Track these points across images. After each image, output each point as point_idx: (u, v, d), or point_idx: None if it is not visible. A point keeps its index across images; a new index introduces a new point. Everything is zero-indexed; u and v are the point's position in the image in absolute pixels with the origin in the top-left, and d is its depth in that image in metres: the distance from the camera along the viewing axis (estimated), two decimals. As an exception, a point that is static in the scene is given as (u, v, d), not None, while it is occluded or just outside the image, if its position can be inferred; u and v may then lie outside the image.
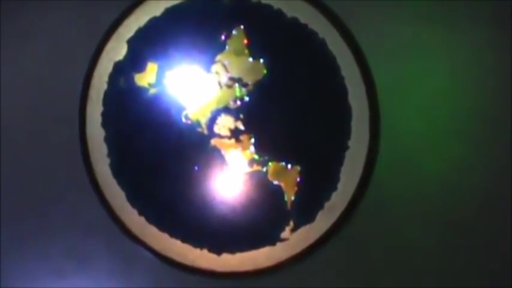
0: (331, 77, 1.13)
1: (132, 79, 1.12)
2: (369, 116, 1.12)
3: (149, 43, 1.12)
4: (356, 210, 1.12)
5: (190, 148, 1.13)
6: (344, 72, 1.13)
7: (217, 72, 1.11)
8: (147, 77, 1.12)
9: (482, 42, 1.13)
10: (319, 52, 1.12)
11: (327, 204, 1.13)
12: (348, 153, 1.14)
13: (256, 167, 1.13)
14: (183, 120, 1.12)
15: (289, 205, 1.13)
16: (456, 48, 1.15)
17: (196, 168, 1.12)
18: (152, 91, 1.12)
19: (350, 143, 1.13)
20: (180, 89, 1.12)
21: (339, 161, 1.13)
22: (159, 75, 1.12)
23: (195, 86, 1.11)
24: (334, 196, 1.13)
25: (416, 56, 1.15)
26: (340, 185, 1.13)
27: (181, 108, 1.12)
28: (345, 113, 1.13)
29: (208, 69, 1.12)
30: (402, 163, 1.15)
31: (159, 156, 1.13)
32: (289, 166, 1.13)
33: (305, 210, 1.13)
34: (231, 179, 1.13)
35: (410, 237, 1.14)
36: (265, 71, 1.11)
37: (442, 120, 1.15)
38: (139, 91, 1.13)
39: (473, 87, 1.14)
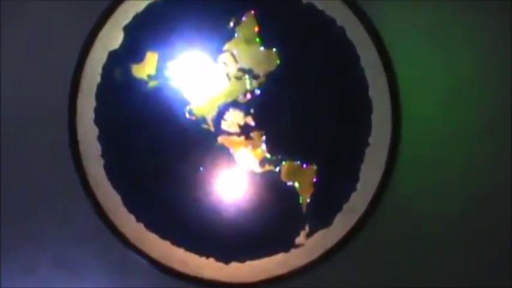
0: (351, 67, 1.06)
1: (129, 70, 1.04)
2: (391, 110, 1.06)
3: (148, 30, 1.04)
4: (377, 212, 1.07)
5: (195, 147, 1.06)
6: (364, 62, 1.06)
7: (225, 63, 1.04)
8: (146, 68, 1.04)
9: (510, 27, 1.07)
10: (337, 41, 1.05)
11: (345, 206, 1.07)
12: (368, 151, 1.07)
13: (268, 167, 1.06)
14: (187, 116, 1.04)
15: (304, 208, 1.07)
16: (482, 35, 1.09)
17: (201, 168, 1.05)
18: (152, 84, 1.04)
19: (370, 139, 1.07)
20: (183, 81, 1.04)
21: (358, 159, 1.07)
22: (160, 66, 1.04)
23: (200, 78, 1.04)
24: (354, 197, 1.07)
25: (439, 44, 1.10)
26: (359, 185, 1.07)
27: (184, 103, 1.05)
28: (365, 107, 1.07)
29: (215, 59, 1.04)
30: (425, 160, 1.10)
31: (159, 156, 1.06)
32: (304, 165, 1.07)
33: (322, 213, 1.07)
34: (240, 180, 1.07)
35: (435, 241, 1.10)
36: (278, 62, 1.05)
37: (468, 114, 1.10)
38: (138, 84, 1.05)
39: (502, 78, 1.09)
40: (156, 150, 1.05)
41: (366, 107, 1.07)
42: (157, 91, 1.05)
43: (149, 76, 1.04)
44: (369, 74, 1.06)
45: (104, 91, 1.05)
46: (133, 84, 1.04)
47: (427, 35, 1.10)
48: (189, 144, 1.05)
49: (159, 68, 1.04)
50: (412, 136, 1.08)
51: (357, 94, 1.07)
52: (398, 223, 1.09)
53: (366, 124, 1.07)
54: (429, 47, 1.09)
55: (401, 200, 1.09)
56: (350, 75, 1.07)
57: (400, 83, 1.06)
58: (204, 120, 1.05)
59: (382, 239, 1.09)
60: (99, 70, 1.04)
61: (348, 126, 1.07)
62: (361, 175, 1.07)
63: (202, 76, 1.04)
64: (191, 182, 1.06)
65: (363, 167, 1.07)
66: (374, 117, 1.07)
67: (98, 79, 1.04)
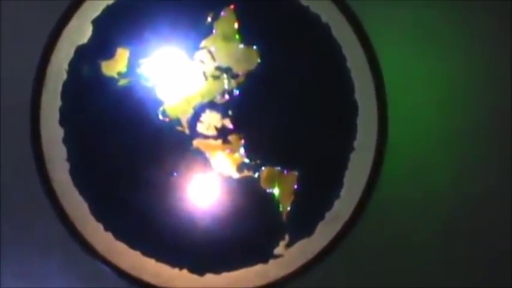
0: (336, 68, 1.02)
1: (98, 67, 0.99)
2: (377, 113, 1.02)
3: (120, 24, 0.99)
4: (361, 220, 1.03)
5: (168, 150, 1.01)
6: (350, 63, 1.02)
7: (201, 61, 0.99)
8: (116, 65, 0.99)
9: (504, 30, 1.06)
10: (322, 39, 1.01)
11: (328, 215, 1.03)
12: (353, 156, 1.03)
13: (246, 173, 1.02)
14: (160, 117, 0.99)
15: (284, 216, 1.03)
16: (471, 35, 1.07)
17: (175, 174, 1.00)
18: (122, 82, 0.99)
19: (355, 144, 1.03)
20: (156, 79, 0.99)
21: (342, 164, 1.03)
22: (131, 63, 0.99)
23: (175, 77, 0.99)
24: (337, 205, 1.03)
25: (428, 45, 1.07)
26: (343, 192, 1.03)
27: (157, 103, 1.00)
28: (350, 110, 1.03)
29: (191, 57, 0.99)
30: (413, 166, 1.07)
31: (130, 160, 1.01)
32: (285, 171, 1.03)
33: (303, 221, 1.03)
34: (216, 186, 1.02)
35: (423, 250, 1.06)
36: (258, 60, 1.00)
37: (457, 118, 1.07)
38: (107, 82, 0.99)
39: (492, 79, 1.07)
40: (127, 153, 1.00)
41: (351, 110, 1.03)
42: (128, 90, 0.99)
43: (120, 74, 0.99)
44: (355, 76, 1.03)
45: (70, 89, 0.99)
46: (102, 82, 0.99)
47: (415, 35, 1.07)
48: (162, 148, 1.00)
49: (131, 65, 0.99)
50: (398, 140, 1.05)
51: (342, 96, 1.03)
52: (384, 232, 1.06)
53: (351, 128, 1.03)
54: (417, 48, 1.07)
55: (388, 207, 1.06)
56: (335, 76, 1.03)
57: (387, 85, 1.03)
58: (178, 121, 1.00)
59: (366, 249, 1.06)
60: (65, 66, 0.98)
61: (332, 129, 1.04)
62: (346, 181, 1.03)
63: (177, 74, 0.99)
64: (164, 188, 1.01)
65: (347, 173, 1.04)
66: (359, 121, 1.03)
67: (64, 76, 0.99)
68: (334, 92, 1.03)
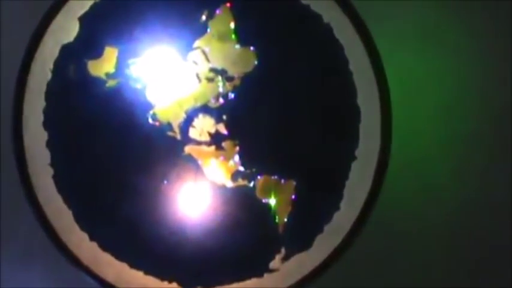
0: (338, 71, 0.98)
1: (85, 67, 0.95)
2: (381, 120, 0.97)
3: (108, 22, 0.95)
4: (362, 233, 0.98)
5: (159, 157, 0.97)
6: (353, 66, 0.98)
7: (195, 62, 0.96)
8: (104, 65, 0.95)
9: (510, 30, 1.02)
10: (324, 40, 0.97)
11: (327, 227, 0.99)
12: (354, 165, 0.99)
13: (241, 182, 0.98)
14: (150, 121, 0.96)
15: (280, 228, 0.99)
16: (479, 39, 1.03)
17: (165, 182, 0.96)
18: (110, 83, 0.96)
19: (357, 152, 0.99)
20: (146, 81, 0.96)
21: (343, 174, 0.99)
22: (120, 64, 0.96)
23: (167, 78, 0.96)
24: (337, 217, 0.99)
25: (435, 48, 1.03)
26: (343, 204, 0.99)
27: (147, 106, 0.96)
28: (352, 116, 0.98)
29: (184, 58, 0.96)
30: (416, 176, 1.04)
31: (118, 166, 0.97)
32: (282, 180, 0.99)
33: (300, 234, 0.99)
34: (209, 196, 0.98)
35: (426, 263, 1.03)
36: (255, 62, 0.96)
37: (465, 125, 1.03)
38: (94, 83, 0.95)
39: (500, 84, 1.03)
40: (114, 159, 0.96)
41: (354, 116, 0.98)
42: (116, 92, 0.96)
43: (107, 74, 0.95)
44: (357, 79, 0.98)
45: (55, 90, 0.95)
46: (89, 83, 0.95)
47: (420, 37, 1.03)
48: (151, 154, 0.96)
49: (119, 66, 0.95)
50: (402, 149, 1.03)
51: (344, 101, 0.98)
52: (385, 246, 1.03)
53: (352, 135, 0.99)
54: (422, 50, 1.03)
55: (389, 220, 1.03)
56: (336, 80, 0.98)
57: (391, 89, 0.97)
58: (169, 126, 0.96)
59: (367, 264, 1.03)
60: (50, 66, 0.95)
61: (333, 136, 0.99)
62: (346, 192, 0.99)
63: (169, 76, 0.96)
64: (153, 197, 0.97)
65: (348, 183, 0.99)
66: (362, 128, 0.99)
67: (49, 76, 0.95)
68: (335, 96, 0.99)
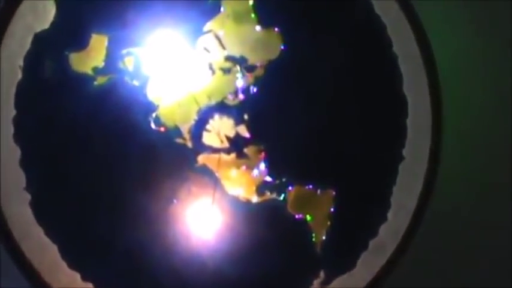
0: (379, 55, 0.87)
1: (66, 61, 0.84)
2: (431, 113, 0.88)
3: (93, 2, 0.84)
4: (413, 249, 0.90)
5: (165, 170, 0.86)
6: (398, 48, 0.87)
7: (206, 49, 0.86)
8: (90, 58, 0.85)
9: None
10: (362, 18, 0.87)
11: (372, 243, 0.89)
12: (402, 167, 0.89)
13: (269, 195, 0.88)
14: (153, 126, 0.86)
15: (318, 248, 0.89)
16: None
17: (174, 201, 0.86)
18: (100, 81, 0.85)
19: (405, 152, 0.89)
20: (146, 76, 0.86)
21: (390, 179, 0.89)
22: (112, 55, 0.85)
23: (172, 72, 0.86)
24: (384, 230, 0.89)
25: (487, 31, 0.93)
26: (391, 214, 0.89)
27: (148, 108, 0.86)
28: (397, 108, 0.88)
29: (192, 44, 0.86)
30: (471, 178, 0.94)
31: (113, 185, 0.86)
32: (318, 191, 0.88)
33: (341, 253, 0.89)
34: (229, 215, 0.87)
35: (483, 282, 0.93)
36: (281, 47, 0.86)
37: None
38: (79, 82, 0.85)
39: None
40: (108, 177, 0.86)
41: (399, 108, 0.88)
42: (108, 91, 0.85)
43: (96, 70, 0.85)
44: (403, 64, 0.88)
45: (27, 93, 0.84)
46: (72, 83, 0.85)
47: (473, 18, 0.93)
48: (156, 167, 0.86)
49: (111, 58, 0.85)
50: (455, 147, 0.92)
51: (388, 91, 0.88)
52: (440, 263, 0.94)
53: (399, 131, 0.89)
54: (475, 33, 0.93)
55: (444, 231, 0.93)
56: (378, 66, 0.88)
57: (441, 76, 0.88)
58: (177, 131, 0.86)
59: (420, 283, 0.93)
60: (19, 62, 0.83)
61: (376, 135, 0.89)
62: (393, 201, 0.89)
63: (175, 69, 0.86)
64: (160, 221, 0.86)
65: (396, 189, 0.89)
66: (409, 123, 0.89)
67: (18, 75, 0.84)
68: (377, 85, 0.88)
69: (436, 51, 0.87)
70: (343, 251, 0.89)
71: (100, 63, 0.84)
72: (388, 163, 0.89)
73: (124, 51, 0.85)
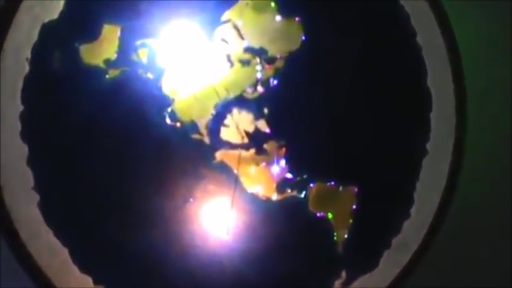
0: (403, 46, 0.84)
1: (76, 54, 0.80)
2: (455, 106, 0.85)
3: None
4: (437, 247, 0.87)
5: (181, 168, 0.83)
6: (422, 39, 0.84)
7: (224, 40, 0.83)
8: (102, 50, 0.81)
9: None
10: (385, 7, 0.84)
11: (395, 240, 0.86)
12: (425, 162, 0.86)
13: (290, 192, 0.85)
14: (168, 121, 0.82)
15: (340, 247, 0.86)
16: None
17: (191, 200, 0.83)
18: (112, 74, 0.82)
19: (429, 146, 0.86)
20: (161, 69, 0.82)
21: (413, 174, 0.86)
22: (124, 47, 0.81)
23: (188, 65, 0.83)
24: (406, 227, 0.86)
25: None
26: (414, 211, 0.86)
27: (164, 102, 0.82)
28: (421, 101, 0.85)
29: (209, 36, 0.82)
30: (497, 174, 0.91)
31: (126, 183, 0.82)
32: (340, 187, 0.85)
33: (363, 252, 0.86)
34: (249, 213, 0.84)
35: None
36: (302, 38, 0.83)
37: None
38: (90, 75, 0.81)
39: None
40: (121, 176, 0.82)
41: (423, 101, 0.85)
42: (120, 85, 0.82)
43: (108, 62, 0.81)
44: (427, 56, 0.85)
45: (35, 88, 0.80)
46: (83, 76, 0.81)
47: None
48: (171, 164, 0.83)
49: (124, 50, 0.81)
50: (479, 140, 0.89)
51: (411, 84, 0.85)
52: (466, 260, 0.90)
53: (423, 125, 0.86)
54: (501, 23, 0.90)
55: (469, 228, 0.90)
56: (402, 56, 0.85)
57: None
58: (194, 126, 0.83)
59: (445, 282, 0.90)
60: (27, 54, 0.79)
61: (399, 129, 0.86)
62: (417, 196, 0.86)
63: (191, 61, 0.82)
64: (176, 221, 0.83)
65: (419, 184, 0.86)
66: (433, 117, 0.86)
67: (25, 68, 0.79)
68: (401, 77, 0.85)
69: (460, 42, 0.84)
70: (366, 250, 0.86)
71: (112, 55, 0.81)
72: (412, 158, 0.86)
73: (138, 43, 0.81)
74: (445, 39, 0.84)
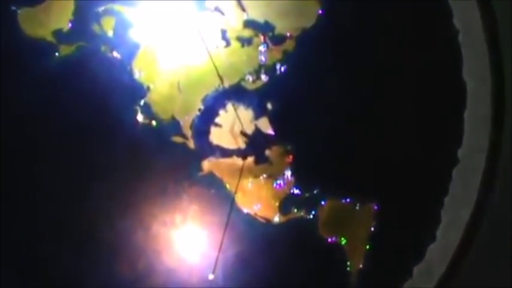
0: (437, 29, 0.70)
1: (15, 23, 0.63)
2: (492, 105, 0.70)
3: None
4: (463, 274, 0.72)
5: (157, 181, 0.70)
6: (459, 22, 0.67)
7: (220, 11, 0.67)
8: (51, 18, 0.64)
9: None
10: None
11: (417, 269, 0.72)
12: (456, 173, 0.71)
13: (296, 213, 0.71)
14: (140, 117, 0.67)
15: (354, 277, 0.72)
16: None
17: (167, 225, 0.71)
18: (65, 51, 0.66)
19: (461, 152, 0.71)
20: (133, 45, 0.69)
21: (441, 188, 0.71)
22: (83, 14, 0.66)
23: (170, 41, 0.68)
24: (431, 252, 0.72)
25: None
26: (440, 232, 0.72)
27: (134, 91, 0.68)
28: (455, 97, 0.71)
29: (200, 3, 0.67)
30: None
31: (85, 203, 0.69)
32: (357, 206, 0.71)
33: (381, 282, 0.73)
34: (245, 239, 0.71)
35: None
36: (319, 12, 0.67)
37: None
38: (33, 51, 0.65)
39: None
40: (76, 194, 0.68)
41: (457, 98, 0.71)
42: (76, 66, 0.67)
43: (58, 34, 0.66)
44: (464, 42, 0.69)
45: None
46: (22, 53, 0.65)
47: None
48: (143, 178, 0.69)
49: (81, 18, 0.66)
50: None
51: (445, 74, 0.70)
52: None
53: (455, 127, 0.72)
54: None
55: (500, 253, 0.73)
56: (435, 42, 0.69)
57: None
58: (174, 126, 0.69)
59: None
60: None
61: (428, 133, 0.73)
62: (444, 215, 0.72)
63: (174, 37, 0.68)
64: (149, 254, 0.69)
65: (447, 200, 0.71)
66: (467, 116, 0.70)
67: None
68: (433, 67, 0.71)
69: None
70: (383, 280, 0.72)
71: (65, 25, 0.64)
72: (440, 168, 0.72)
73: (101, 9, 0.64)
74: (483, 24, 0.68)
